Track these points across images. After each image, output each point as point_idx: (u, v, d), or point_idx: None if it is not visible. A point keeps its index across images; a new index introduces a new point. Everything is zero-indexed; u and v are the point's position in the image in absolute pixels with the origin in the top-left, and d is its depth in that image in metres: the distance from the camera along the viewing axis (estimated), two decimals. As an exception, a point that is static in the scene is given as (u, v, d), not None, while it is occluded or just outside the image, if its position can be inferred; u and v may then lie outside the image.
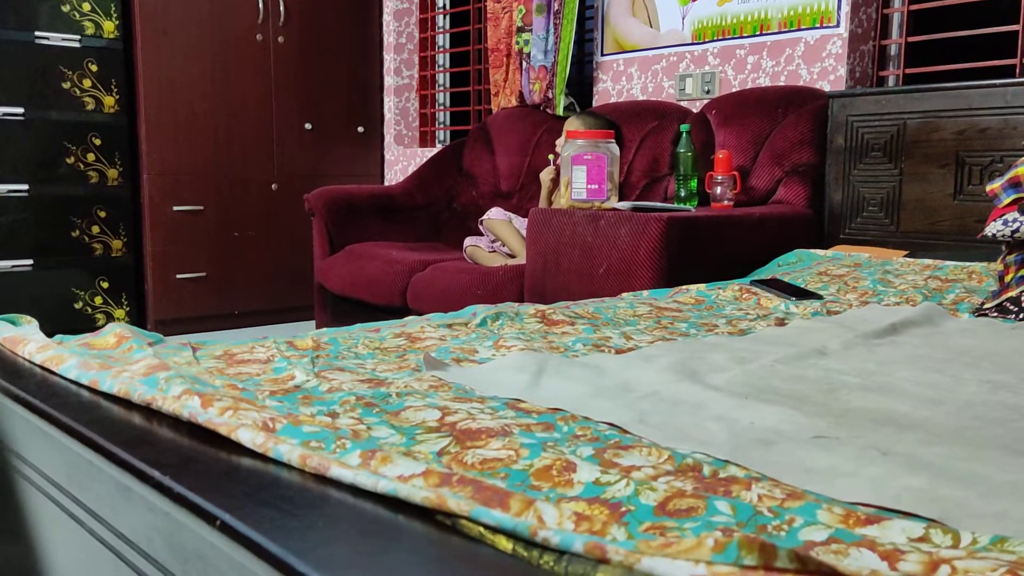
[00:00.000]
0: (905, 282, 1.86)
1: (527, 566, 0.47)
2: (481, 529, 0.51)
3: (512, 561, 0.47)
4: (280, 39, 3.79)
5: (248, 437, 0.67)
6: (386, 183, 4.20)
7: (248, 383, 0.96)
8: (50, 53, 3.31)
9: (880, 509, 0.66)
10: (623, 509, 0.63)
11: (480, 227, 2.89)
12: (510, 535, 0.49)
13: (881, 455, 0.79)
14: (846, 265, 2.04)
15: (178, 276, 3.61)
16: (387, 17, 4.14)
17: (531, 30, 3.25)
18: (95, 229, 3.50)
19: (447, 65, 4.24)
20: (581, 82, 3.38)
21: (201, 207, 3.65)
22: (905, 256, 2.12)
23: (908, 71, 2.61)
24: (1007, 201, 1.58)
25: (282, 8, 3.77)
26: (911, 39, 2.59)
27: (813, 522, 0.63)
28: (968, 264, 1.93)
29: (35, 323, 1.20)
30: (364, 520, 0.53)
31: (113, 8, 3.43)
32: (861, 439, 0.85)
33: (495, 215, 2.80)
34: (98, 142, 3.46)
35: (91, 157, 3.46)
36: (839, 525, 0.63)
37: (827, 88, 2.58)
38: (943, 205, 2.20)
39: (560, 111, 3.26)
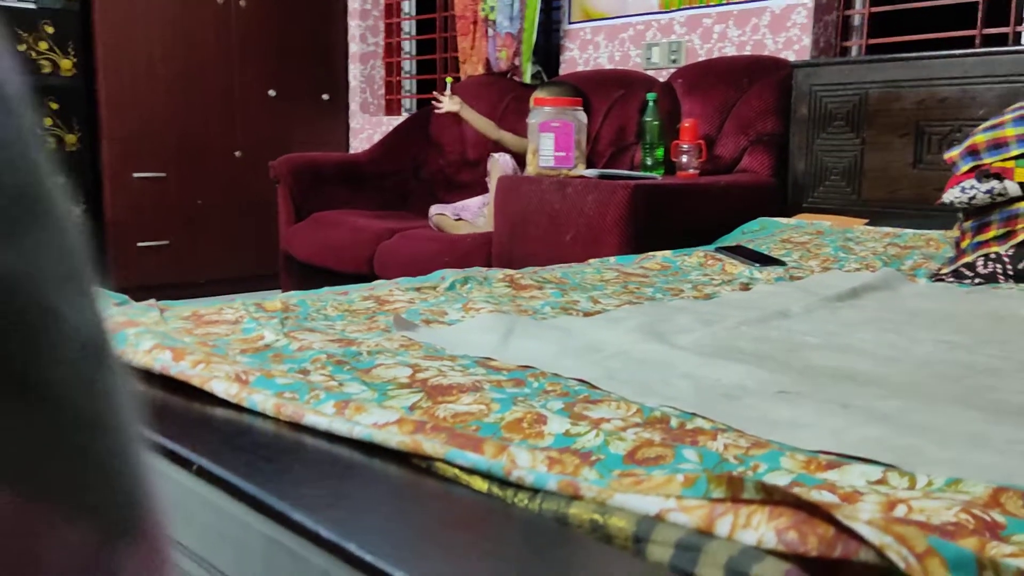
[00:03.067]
0: (865, 249, 1.90)
1: (502, 504, 0.48)
2: (456, 471, 0.52)
3: (488, 500, 0.48)
4: (242, 2, 3.72)
5: (222, 388, 0.67)
6: (351, 152, 4.16)
7: (218, 342, 0.96)
8: (4, 15, 3.21)
9: (840, 456, 0.68)
10: (593, 458, 0.65)
11: (488, 163, 2.80)
12: (485, 476, 0.50)
13: (841, 408, 0.82)
14: (808, 233, 2.08)
15: (140, 244, 3.55)
16: (352, -18, 4.08)
17: (498, -3, 3.23)
18: (53, 196, 3.42)
19: (413, 32, 4.19)
20: (548, 50, 3.37)
21: (163, 174, 3.58)
22: (865, 224, 2.16)
23: (871, 41, 2.64)
24: (965, 169, 1.62)
25: (244, -29, 3.69)
26: (874, 9, 2.62)
27: (776, 468, 0.65)
28: (926, 232, 1.98)
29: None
30: (340, 464, 0.53)
31: (68, -32, 3.33)
32: (822, 394, 0.87)
33: (503, 162, 2.73)
34: (55, 107, 3.38)
35: (48, 122, 3.37)
36: (801, 471, 0.65)
37: (792, 58, 2.61)
38: (903, 174, 2.24)
39: (527, 79, 3.25)
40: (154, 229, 3.57)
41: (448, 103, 2.87)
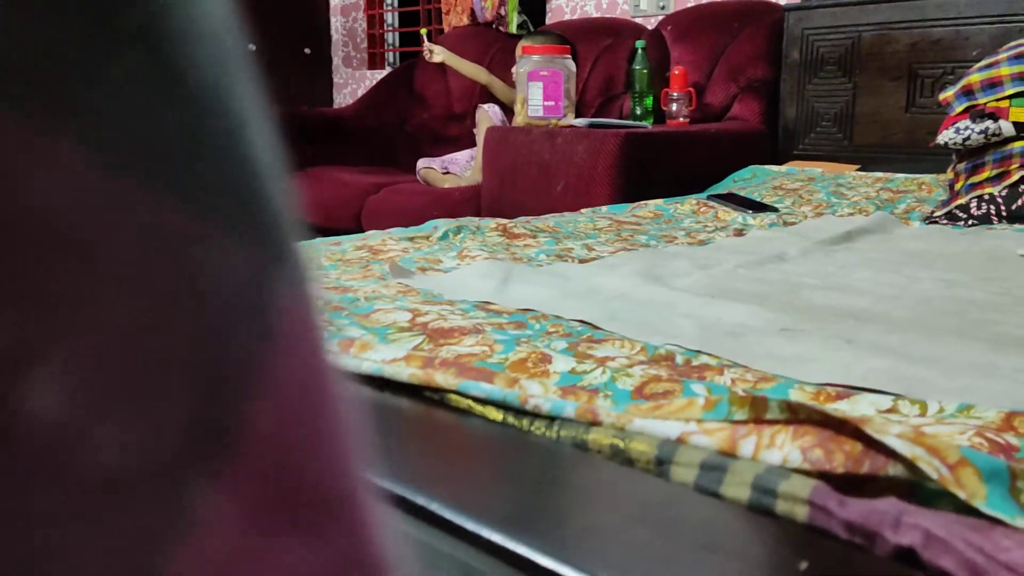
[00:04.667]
0: (858, 194, 1.89)
1: (518, 432, 0.47)
2: (470, 402, 0.51)
3: (503, 428, 0.48)
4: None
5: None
6: (335, 106, 4.09)
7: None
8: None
9: (848, 388, 0.68)
10: (602, 394, 0.64)
11: (476, 115, 2.77)
12: (499, 405, 0.49)
13: (846, 343, 0.81)
14: (800, 180, 2.07)
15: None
16: (331, -68, 3.98)
17: (482, -56, 3.16)
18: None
19: (395, -17, 4.10)
20: (534, -1, 3.31)
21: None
22: (857, 170, 2.16)
23: (862, -15, 2.60)
24: (959, 109, 1.60)
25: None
26: (865, -47, 2.58)
27: (786, 400, 0.65)
28: (918, 176, 1.97)
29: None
30: (350, 399, 0.52)
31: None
32: (825, 330, 0.87)
33: (492, 113, 2.70)
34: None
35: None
36: (811, 401, 0.64)
37: (783, 1, 2.57)
38: (895, 119, 2.23)
39: (513, 29, 3.19)
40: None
41: (430, 53, 2.83)
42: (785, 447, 0.40)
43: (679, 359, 0.76)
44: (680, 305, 0.97)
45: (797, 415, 0.41)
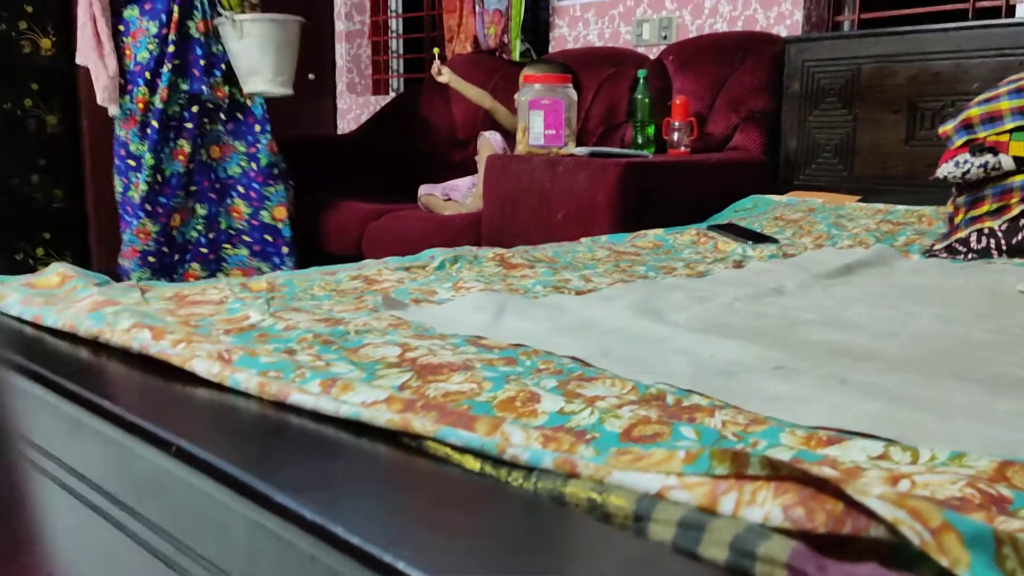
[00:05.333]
0: (858, 226, 1.88)
1: (496, 483, 0.46)
2: (448, 450, 0.50)
3: (480, 479, 0.47)
4: (226, -19, 3.65)
5: (203, 367, 0.65)
6: (339, 132, 4.11)
7: (202, 323, 0.93)
8: (-20, -8, 3.14)
9: (840, 432, 0.67)
10: (588, 436, 0.63)
11: (477, 142, 2.79)
12: (477, 454, 0.49)
13: (839, 383, 0.80)
14: (800, 210, 2.06)
15: (124, 227, 3.50)
16: (337, -41, 4.02)
17: (486, -27, 3.18)
18: (35, 178, 3.37)
19: (399, 10, 4.13)
20: (537, 27, 3.32)
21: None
22: (858, 201, 2.15)
23: (863, 16, 2.61)
24: (959, 143, 1.60)
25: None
26: (866, -16, 2.60)
27: (776, 444, 0.64)
28: (918, 208, 1.96)
29: (-27, 266, 1.15)
30: (326, 444, 0.51)
31: (46, -56, 3.26)
32: (819, 369, 0.86)
33: (494, 140, 2.71)
34: (35, 87, 3.31)
35: (28, 103, 3.31)
36: (801, 447, 0.63)
37: (784, 33, 2.58)
38: (895, 151, 2.23)
39: (516, 56, 3.21)
40: (139, 212, 3.52)
41: (439, 73, 2.85)
42: (766, 504, 0.39)
43: (670, 399, 0.75)
44: (674, 341, 0.96)
45: (778, 471, 0.40)
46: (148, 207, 2.62)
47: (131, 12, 2.59)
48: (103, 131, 3.41)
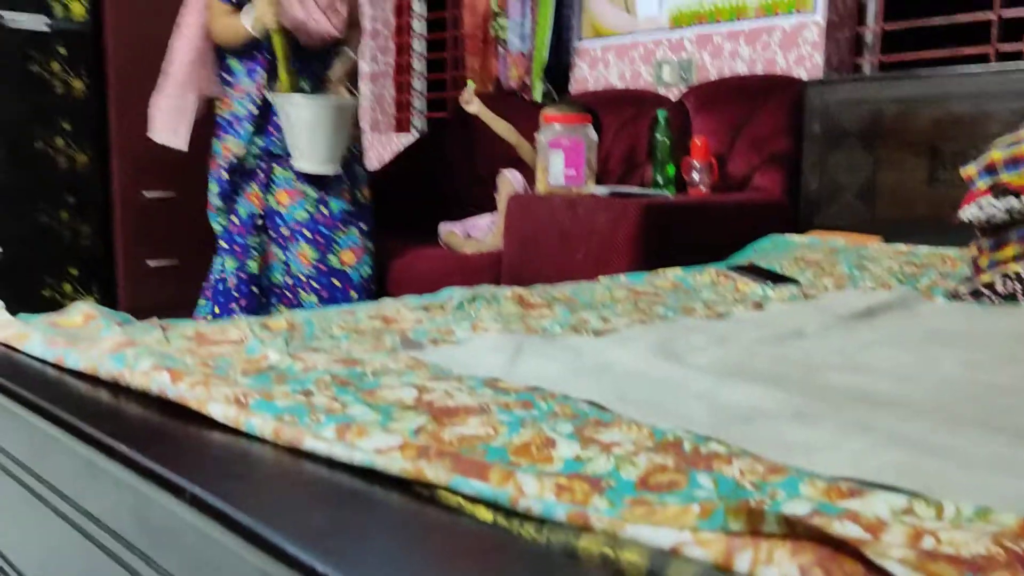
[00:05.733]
0: (880, 267, 1.87)
1: (508, 535, 0.45)
2: (460, 500, 0.49)
3: (493, 530, 0.46)
4: (253, 23, 3.73)
5: (219, 411, 0.65)
6: (362, 170, 4.15)
7: (220, 362, 0.94)
8: (17, 36, 3.23)
9: (862, 483, 0.66)
10: (604, 484, 0.62)
11: (497, 180, 2.81)
12: (490, 505, 0.48)
13: (862, 430, 0.79)
14: (822, 251, 2.05)
15: (149, 263, 3.54)
16: (362, 2, 4.10)
17: (508, 16, 3.23)
18: (64, 215, 3.43)
19: (423, 52, 4.20)
20: (558, 68, 3.36)
21: (173, 193, 3.58)
22: (880, 242, 2.13)
23: (884, 59, 2.62)
24: (982, 186, 1.59)
25: (256, -8, 3.71)
26: (887, 27, 2.60)
27: (796, 495, 0.62)
28: (942, 249, 1.95)
29: (0, 303, 1.17)
30: (339, 492, 0.51)
31: (82, -11, 3.35)
32: (841, 415, 0.84)
33: (515, 179, 2.72)
34: (67, 127, 3.39)
35: (60, 142, 3.38)
36: (822, 498, 0.62)
37: (804, 76, 2.59)
38: (918, 192, 2.22)
39: (538, 97, 3.24)
40: (163, 248, 3.57)
41: (468, 102, 2.86)
42: (783, 564, 0.38)
43: (687, 445, 0.74)
44: (693, 385, 0.95)
45: (795, 529, 0.39)
46: (225, 244, 2.66)
47: (234, 63, 2.64)
48: (132, 171, 3.48)
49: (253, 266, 2.67)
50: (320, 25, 2.60)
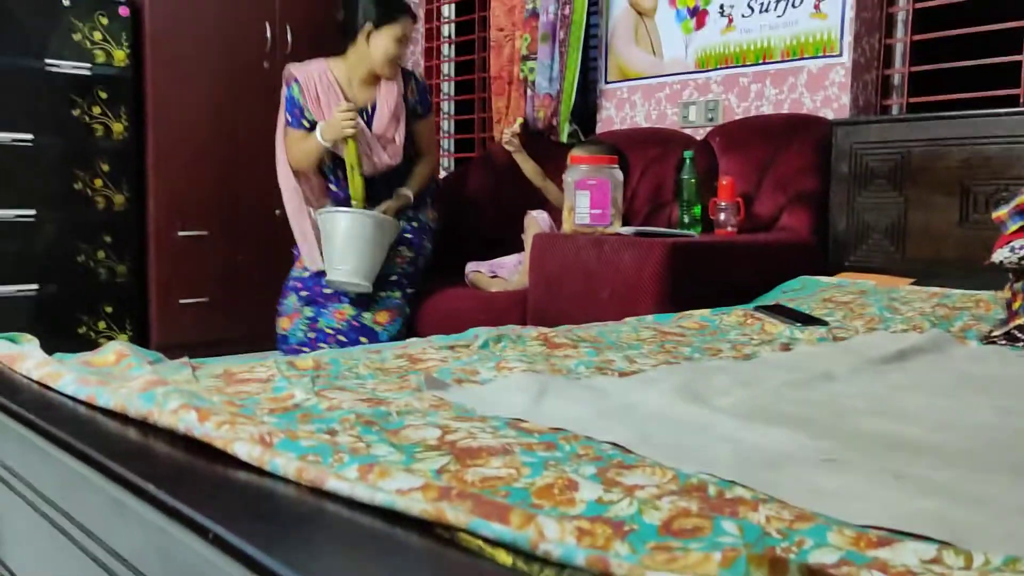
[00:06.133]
0: (912, 309, 1.84)
1: (527, 580, 0.45)
2: (480, 542, 0.49)
3: (512, 574, 0.46)
4: (287, 67, 3.82)
5: (244, 450, 0.66)
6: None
7: (247, 401, 0.95)
8: (61, 81, 3.34)
9: (891, 531, 0.64)
10: (626, 528, 0.62)
11: (524, 220, 2.85)
12: (510, 548, 0.48)
13: (893, 478, 0.77)
14: (851, 292, 2.03)
15: (181, 301, 3.60)
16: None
17: (536, 58, 3.28)
18: (100, 254, 3.50)
19: (451, 93, 4.27)
20: (584, 109, 3.40)
21: (205, 232, 3.65)
22: (911, 284, 2.11)
23: (912, 100, 2.61)
24: (1014, 228, 1.57)
25: (289, 36, 3.81)
26: (914, 69, 2.60)
27: (823, 544, 0.61)
28: (975, 292, 1.92)
29: (35, 341, 1.19)
30: (361, 533, 0.51)
31: (124, 37, 3.46)
32: (871, 462, 0.83)
33: (541, 219, 2.75)
34: (106, 168, 3.48)
35: (98, 183, 3.47)
36: (850, 547, 0.61)
37: (830, 116, 2.59)
38: (949, 233, 2.19)
39: (564, 138, 3.27)
40: (195, 286, 3.62)
41: (509, 140, 2.92)
42: (805, 613, 0.37)
43: (712, 490, 0.74)
44: (718, 427, 0.94)
45: (817, 579, 0.38)
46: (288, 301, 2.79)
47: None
48: (167, 211, 3.55)
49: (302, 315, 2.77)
50: (377, 156, 2.72)
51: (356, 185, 2.64)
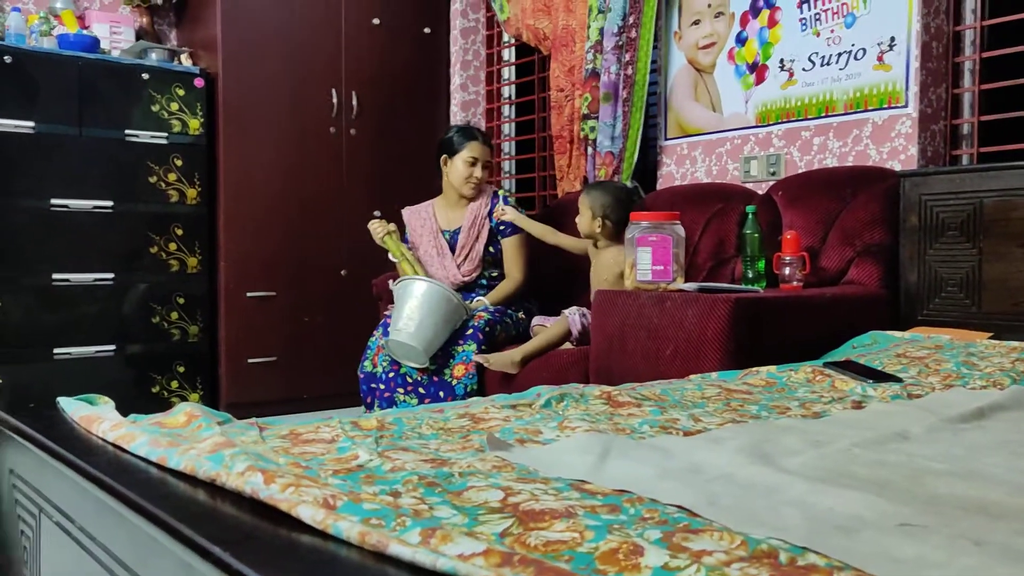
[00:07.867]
0: (991, 364, 1.77)
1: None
2: (543, 612, 0.48)
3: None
4: (352, 131, 3.95)
5: (308, 514, 0.66)
6: (453, 268, 4.25)
7: (312, 462, 0.96)
8: (139, 149, 3.51)
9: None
10: (694, 596, 0.60)
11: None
12: (573, 618, 0.47)
13: (974, 544, 0.74)
14: (926, 347, 1.96)
15: (250, 360, 3.68)
16: (454, 108, 4.28)
17: (597, 117, 3.31)
18: (174, 315, 3.62)
19: (513, 152, 4.33)
20: (645, 165, 3.41)
21: (273, 293, 3.75)
22: (989, 338, 2.03)
23: (983, 150, 2.55)
24: (1097, 278, 1.50)
25: (355, 103, 3.94)
26: (984, 118, 2.55)
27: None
28: (1058, 346, 1.84)
29: (111, 403, 1.23)
30: (422, 600, 0.51)
31: (199, 107, 3.63)
32: (951, 527, 0.80)
33: (571, 322, 2.80)
34: (180, 232, 3.62)
35: (173, 246, 3.61)
36: (930, 619, 0.58)
37: (898, 168, 2.54)
38: (1027, 285, 2.11)
39: (625, 195, 3.28)
40: (263, 345, 3.71)
41: (505, 213, 3.07)
42: None
43: (783, 556, 0.71)
44: (787, 490, 0.92)
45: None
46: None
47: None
48: (238, 274, 3.67)
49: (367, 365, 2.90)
50: (451, 271, 3.05)
51: (406, 272, 2.97)
